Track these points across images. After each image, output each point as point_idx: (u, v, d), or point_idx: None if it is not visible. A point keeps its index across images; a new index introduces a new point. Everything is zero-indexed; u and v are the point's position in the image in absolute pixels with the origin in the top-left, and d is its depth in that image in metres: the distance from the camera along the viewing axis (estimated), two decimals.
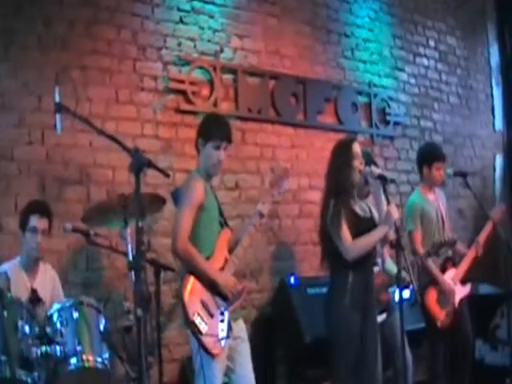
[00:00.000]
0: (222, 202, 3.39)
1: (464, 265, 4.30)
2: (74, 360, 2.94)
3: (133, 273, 2.55)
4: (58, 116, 2.64)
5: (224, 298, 3.06)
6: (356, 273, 3.25)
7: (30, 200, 3.39)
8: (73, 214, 3.62)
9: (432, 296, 4.15)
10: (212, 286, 3.02)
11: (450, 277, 4.23)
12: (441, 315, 4.12)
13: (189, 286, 2.98)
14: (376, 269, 3.77)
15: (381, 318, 3.78)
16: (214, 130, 3.18)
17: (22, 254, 3.30)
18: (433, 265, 4.15)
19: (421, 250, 4.13)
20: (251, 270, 4.52)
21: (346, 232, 3.24)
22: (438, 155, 4.37)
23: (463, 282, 4.29)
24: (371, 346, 3.34)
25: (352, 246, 3.23)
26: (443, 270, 4.23)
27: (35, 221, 3.24)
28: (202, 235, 3.09)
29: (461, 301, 4.22)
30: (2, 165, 3.67)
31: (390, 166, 5.67)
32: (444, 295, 4.15)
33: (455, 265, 4.30)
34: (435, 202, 4.38)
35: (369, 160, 3.79)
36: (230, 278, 3.08)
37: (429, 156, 4.38)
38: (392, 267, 3.92)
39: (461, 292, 4.24)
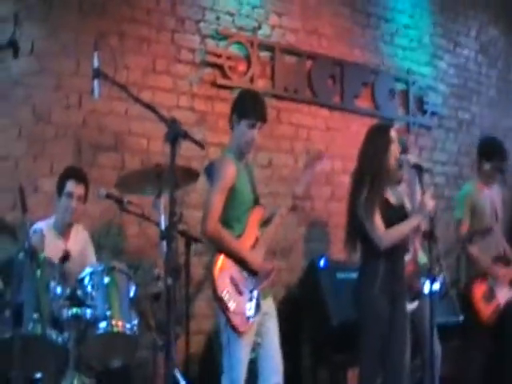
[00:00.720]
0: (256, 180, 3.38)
1: None
2: (103, 324, 2.97)
3: (164, 242, 2.60)
4: (95, 81, 2.67)
5: (254, 275, 3.07)
6: (387, 260, 3.23)
7: (67, 165, 3.44)
8: (106, 181, 3.67)
9: (479, 290, 4.13)
10: (242, 264, 3.03)
11: (500, 274, 4.20)
12: (487, 311, 4.10)
13: (219, 263, 3.00)
14: (408, 257, 3.75)
15: (412, 305, 3.76)
16: (249, 107, 3.13)
17: (55, 217, 3.37)
18: (486, 261, 4.14)
19: (463, 235, 4.14)
20: (281, 249, 4.52)
21: (379, 220, 3.20)
22: (502, 153, 4.33)
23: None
24: (400, 332, 3.30)
25: (385, 235, 3.20)
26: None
27: (72, 186, 3.30)
28: (233, 214, 3.10)
29: (509, 303, 4.19)
30: (39, 127, 3.74)
31: (425, 155, 5.62)
32: (492, 289, 4.13)
33: (508, 264, 4.28)
34: (490, 197, 4.35)
35: (404, 148, 3.78)
36: (259, 257, 3.08)
37: (492, 152, 4.34)
38: (423, 259, 3.91)
39: (508, 293, 4.21)
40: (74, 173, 3.37)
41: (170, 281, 2.36)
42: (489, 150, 4.37)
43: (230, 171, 3.06)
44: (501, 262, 4.29)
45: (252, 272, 3.05)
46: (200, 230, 3.05)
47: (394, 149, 3.30)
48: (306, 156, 3.42)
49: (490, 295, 4.14)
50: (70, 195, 3.30)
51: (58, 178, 3.35)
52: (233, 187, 3.06)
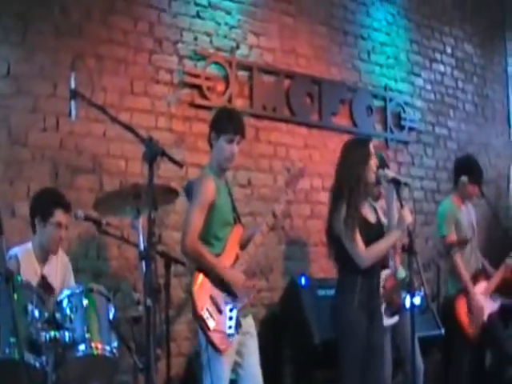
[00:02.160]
0: (235, 199, 3.43)
1: (495, 280, 4.40)
2: (82, 346, 2.95)
3: (143, 263, 2.60)
4: (72, 102, 2.66)
5: (233, 295, 3.09)
6: (364, 276, 3.27)
7: (51, 190, 3.39)
8: (84, 203, 3.66)
9: (462, 305, 4.21)
10: (221, 283, 3.06)
11: (481, 290, 4.28)
12: (471, 328, 4.20)
13: (198, 281, 3.04)
14: (388, 271, 3.80)
15: (393, 320, 3.80)
16: (226, 123, 3.21)
17: (35, 241, 3.32)
18: (467, 276, 4.23)
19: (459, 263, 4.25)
20: (261, 268, 4.57)
21: (359, 238, 3.23)
22: (479, 171, 4.45)
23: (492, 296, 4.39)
24: (378, 349, 3.33)
25: (366, 254, 3.23)
26: (474, 282, 4.32)
27: (61, 216, 3.27)
28: (213, 232, 3.15)
29: (491, 316, 4.29)
30: (15, 150, 3.74)
31: (404, 171, 5.72)
32: (474, 309, 4.23)
33: (488, 277, 4.36)
34: (467, 214, 4.47)
35: (382, 163, 3.84)
36: (238, 275, 3.11)
37: (470, 169, 4.45)
38: (402, 273, 3.96)
39: (491, 306, 4.32)
40: (62, 201, 3.32)
41: (149, 302, 2.38)
42: (468, 166, 4.48)
43: (209, 188, 3.11)
44: (481, 277, 4.37)
45: (231, 291, 3.07)
46: (180, 247, 3.08)
47: (373, 163, 3.33)
48: (286, 173, 3.42)
49: (477, 313, 4.23)
50: (59, 225, 3.27)
51: (42, 202, 3.30)
52: (213, 204, 3.10)
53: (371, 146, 3.39)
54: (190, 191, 3.26)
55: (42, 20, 3.91)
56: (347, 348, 3.25)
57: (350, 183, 3.27)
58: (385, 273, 3.78)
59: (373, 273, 3.33)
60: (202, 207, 3.08)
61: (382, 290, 3.55)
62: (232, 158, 3.22)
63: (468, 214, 4.48)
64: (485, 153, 6.52)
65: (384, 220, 3.46)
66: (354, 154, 3.35)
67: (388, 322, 3.67)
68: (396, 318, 3.87)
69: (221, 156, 3.20)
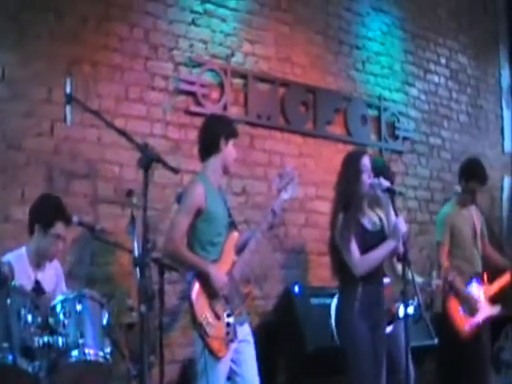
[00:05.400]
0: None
1: (496, 285, 4.45)
2: (75, 352, 2.97)
3: (137, 269, 2.64)
4: (68, 107, 2.71)
5: (229, 301, 3.15)
6: (365, 285, 3.34)
7: (54, 199, 3.38)
8: (79, 208, 3.69)
9: (454, 305, 4.27)
10: (217, 291, 3.12)
11: (477, 291, 4.36)
12: (464, 325, 4.24)
13: (196, 289, 3.10)
14: (386, 280, 3.85)
15: (388, 329, 3.84)
16: (234, 127, 3.41)
17: (31, 245, 3.32)
18: (457, 278, 4.27)
19: (445, 263, 4.27)
20: (256, 276, 4.59)
21: (354, 247, 3.33)
22: (480, 175, 4.45)
23: (493, 302, 4.42)
24: (379, 358, 3.40)
25: (360, 261, 3.31)
26: (471, 284, 4.38)
27: (61, 228, 3.29)
28: (208, 238, 3.21)
29: (485, 320, 4.34)
30: (10, 154, 3.76)
31: (398, 180, 5.74)
32: (467, 304, 4.26)
33: (484, 281, 4.43)
34: (470, 217, 4.51)
35: (383, 170, 3.90)
36: (222, 274, 3.15)
37: (471, 173, 4.47)
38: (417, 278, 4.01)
39: (487, 310, 4.36)
40: (64, 213, 3.32)
41: (143, 308, 2.40)
42: (470, 169, 4.51)
43: (197, 192, 3.18)
44: (478, 279, 4.41)
45: (227, 297, 3.11)
46: (162, 250, 3.14)
47: (365, 177, 3.43)
48: (278, 180, 3.48)
49: (467, 308, 4.27)
50: (59, 237, 3.30)
51: (44, 211, 3.28)
52: (204, 209, 3.17)
53: (365, 159, 3.47)
54: (181, 198, 3.32)
55: (37, 25, 3.95)
56: (353, 357, 3.32)
57: (344, 197, 3.42)
58: (384, 281, 3.83)
59: (374, 281, 3.40)
60: (187, 211, 3.16)
61: None
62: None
63: (470, 218, 4.50)
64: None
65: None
66: (348, 169, 3.50)
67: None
68: (391, 327, 3.92)
69: (230, 159, 3.36)
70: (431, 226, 5.81)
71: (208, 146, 3.34)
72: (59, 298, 3.09)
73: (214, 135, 3.33)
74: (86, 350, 2.98)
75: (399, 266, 4.04)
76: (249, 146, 4.82)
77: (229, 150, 3.33)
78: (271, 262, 4.78)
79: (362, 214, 3.45)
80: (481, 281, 4.43)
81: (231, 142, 3.34)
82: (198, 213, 3.18)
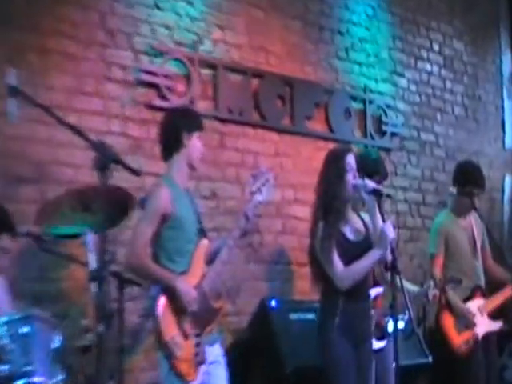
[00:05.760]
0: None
1: (496, 299, 4.58)
2: (21, 382, 2.93)
3: (94, 284, 2.64)
4: (12, 101, 2.67)
5: (198, 318, 3.19)
6: (347, 298, 3.41)
7: None
8: (26, 216, 3.68)
9: (448, 320, 4.40)
10: (185, 307, 3.16)
11: (476, 305, 4.48)
12: (458, 340, 4.35)
13: (162, 305, 3.14)
14: (379, 290, 3.98)
15: (380, 344, 3.94)
16: (196, 118, 3.47)
17: None
18: (450, 292, 4.38)
19: (438, 276, 4.36)
20: (228, 289, 4.64)
21: (336, 258, 3.40)
22: (475, 179, 4.51)
23: (494, 317, 4.55)
24: (365, 378, 3.49)
25: (344, 274, 3.38)
26: (470, 298, 4.49)
27: (6, 241, 3.32)
28: (176, 247, 3.26)
29: (487, 336, 4.46)
30: None
31: (386, 181, 5.82)
32: (462, 319, 4.39)
33: (484, 295, 4.55)
34: (469, 226, 4.60)
35: (377, 166, 4.01)
36: (191, 288, 3.19)
37: (463, 177, 4.54)
38: (410, 287, 4.11)
39: (487, 325, 4.49)
40: (9, 224, 3.34)
41: (100, 329, 2.41)
42: (462, 174, 4.59)
43: (162, 197, 3.23)
44: (477, 293, 4.54)
45: (196, 315, 3.16)
46: (124, 262, 3.19)
47: (349, 177, 3.47)
48: (252, 181, 3.53)
49: (461, 323, 4.41)
50: (3, 250, 3.33)
51: None
52: (171, 215, 3.22)
53: (349, 157, 3.53)
54: (144, 203, 3.37)
55: None
56: (335, 378, 3.40)
57: (325, 201, 3.48)
58: (375, 291, 3.95)
59: (359, 294, 3.47)
60: (151, 218, 3.20)
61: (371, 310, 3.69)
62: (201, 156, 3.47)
63: (468, 227, 4.59)
64: (476, 162, 6.68)
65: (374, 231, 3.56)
66: (330, 168, 3.54)
67: (375, 345, 3.79)
68: (384, 343, 3.99)
69: (196, 155, 3.40)
70: (423, 232, 5.98)
71: (169, 143, 3.40)
72: (3, 319, 3.03)
73: (174, 129, 3.38)
74: (35, 379, 2.95)
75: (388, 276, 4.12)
76: (219, 145, 4.88)
77: (193, 145, 3.38)
78: (245, 274, 4.86)
79: (343, 222, 3.50)
80: (480, 294, 4.54)
81: (196, 136, 3.39)
82: (164, 219, 3.22)
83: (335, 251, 3.39)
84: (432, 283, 4.12)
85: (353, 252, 3.43)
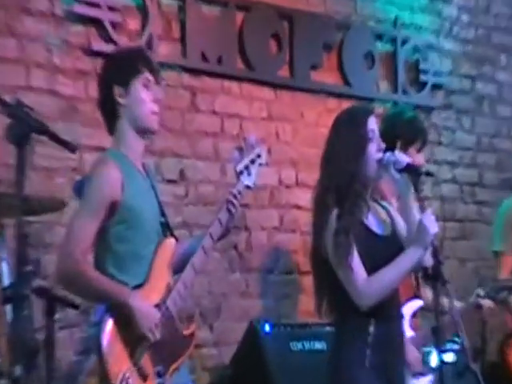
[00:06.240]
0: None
1: None
2: None
3: (9, 307, 2.66)
4: None
5: (161, 350, 3.22)
6: (378, 320, 3.39)
7: None
8: None
9: None
10: (142, 335, 3.16)
11: None
12: None
13: (109, 333, 3.14)
14: (418, 304, 4.03)
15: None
16: (136, 60, 3.39)
17: None
18: None
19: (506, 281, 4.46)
20: (203, 309, 4.70)
21: (357, 263, 3.34)
22: None
23: None
24: None
25: (367, 285, 3.33)
26: None
27: None
28: (128, 251, 3.26)
29: None
30: None
31: (424, 153, 5.88)
32: None
33: None
34: None
35: (409, 134, 4.04)
36: (150, 307, 3.21)
37: None
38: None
39: None
40: None
41: (18, 372, 2.42)
42: None
43: (109, 178, 3.22)
44: None
45: (157, 345, 3.22)
46: (55, 270, 3.20)
47: (373, 149, 3.45)
48: (237, 156, 3.55)
49: None
50: None
51: None
52: (121, 204, 3.21)
53: (371, 120, 3.50)
54: (82, 189, 3.33)
55: None
56: None
57: (339, 184, 3.42)
58: (412, 306, 4.01)
59: (389, 314, 3.47)
60: (94, 210, 3.18)
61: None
62: (157, 111, 3.38)
63: None
64: None
65: (402, 227, 3.57)
66: (345, 138, 3.50)
67: None
68: (427, 381, 4.06)
69: (142, 111, 3.33)
70: (479, 225, 6.09)
71: (105, 106, 3.41)
72: None
73: (105, 86, 3.39)
74: None
75: (427, 290, 4.19)
76: (189, 107, 4.92)
77: (134, 97, 3.33)
78: (227, 287, 4.91)
79: (366, 210, 3.49)
80: None
81: (137, 84, 3.33)
82: (112, 211, 3.20)
83: (355, 252, 3.34)
84: (482, 291, 4.16)
85: (381, 252, 3.40)
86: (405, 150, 3.76)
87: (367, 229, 3.47)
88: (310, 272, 3.60)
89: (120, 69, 3.37)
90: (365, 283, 3.33)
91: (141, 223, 3.28)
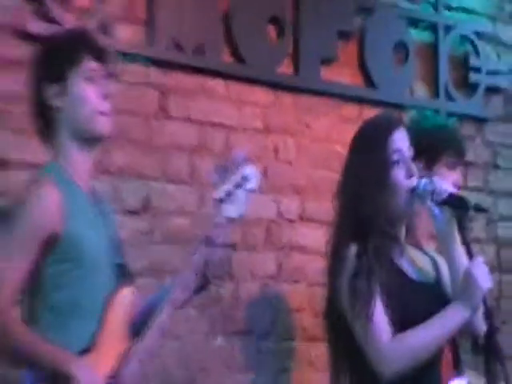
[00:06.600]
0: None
1: None
2: None
3: None
4: None
5: None
6: None
7: None
8: None
9: None
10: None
11: None
12: None
13: None
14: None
15: None
16: (74, 48, 3.41)
17: None
18: None
19: None
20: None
21: (380, 316, 3.33)
22: None
23: None
24: None
25: (392, 347, 3.31)
26: None
27: None
28: (67, 300, 3.25)
29: None
30: None
31: (475, 181, 5.94)
32: None
33: None
34: None
35: (454, 153, 4.07)
36: (98, 378, 3.18)
37: None
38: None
39: None
40: None
41: None
42: None
43: (46, 202, 3.22)
44: None
45: None
46: None
47: (401, 173, 3.47)
48: (217, 178, 3.51)
49: None
50: None
51: None
52: (61, 237, 3.21)
53: (398, 134, 3.51)
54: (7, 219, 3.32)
55: None
56: None
57: (359, 217, 3.44)
58: None
59: None
60: (25, 244, 3.19)
61: None
62: (107, 111, 3.38)
63: None
64: None
65: (446, 278, 3.56)
66: (364, 159, 3.53)
67: None
68: None
69: (84, 112, 3.35)
70: None
71: (37, 109, 3.42)
72: None
73: (35, 82, 3.42)
74: None
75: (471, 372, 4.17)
76: (157, 112, 4.92)
77: (75, 95, 3.35)
78: (207, 356, 4.88)
79: (397, 249, 3.52)
80: None
81: (78, 78, 3.35)
82: (49, 245, 3.21)
83: (379, 301, 3.33)
84: None
85: (416, 305, 3.39)
86: (430, 168, 3.75)
87: (399, 271, 3.48)
88: (319, 338, 3.61)
89: (53, 60, 3.40)
90: (389, 343, 3.31)
91: (87, 263, 3.28)
